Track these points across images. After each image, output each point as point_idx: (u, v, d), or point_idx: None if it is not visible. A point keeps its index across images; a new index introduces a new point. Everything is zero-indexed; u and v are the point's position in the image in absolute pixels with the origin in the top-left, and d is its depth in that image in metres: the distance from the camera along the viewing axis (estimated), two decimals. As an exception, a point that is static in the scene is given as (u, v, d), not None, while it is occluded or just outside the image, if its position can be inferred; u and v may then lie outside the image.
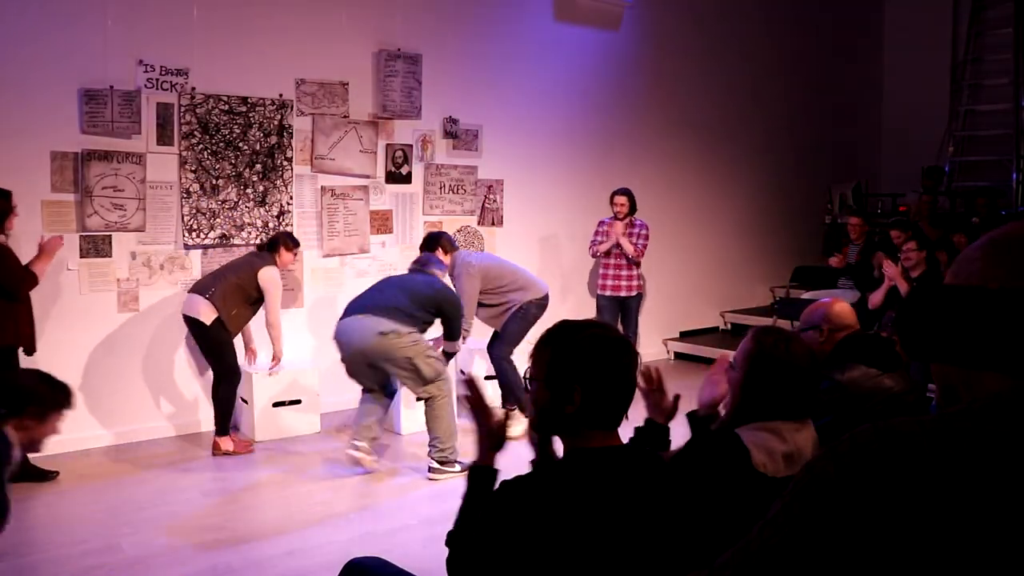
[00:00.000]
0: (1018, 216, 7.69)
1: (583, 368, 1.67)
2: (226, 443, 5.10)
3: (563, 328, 1.75)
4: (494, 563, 1.61)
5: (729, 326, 8.58)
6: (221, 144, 5.55)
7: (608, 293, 6.52)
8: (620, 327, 6.39)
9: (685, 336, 8.29)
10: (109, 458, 5.06)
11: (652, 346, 8.03)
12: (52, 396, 2.62)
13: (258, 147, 5.70)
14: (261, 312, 5.18)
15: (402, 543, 3.81)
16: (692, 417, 2.39)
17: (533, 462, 1.79)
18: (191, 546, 3.83)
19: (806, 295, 7.44)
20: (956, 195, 8.76)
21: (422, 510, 4.28)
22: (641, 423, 2.33)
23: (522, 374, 1.87)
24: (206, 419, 5.61)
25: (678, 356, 8.11)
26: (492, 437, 1.84)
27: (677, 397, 2.29)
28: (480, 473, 1.80)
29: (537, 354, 1.75)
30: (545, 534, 1.55)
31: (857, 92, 9.90)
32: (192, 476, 4.78)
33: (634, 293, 6.52)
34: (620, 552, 1.57)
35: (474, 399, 1.89)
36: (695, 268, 8.36)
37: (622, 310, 6.55)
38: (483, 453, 1.84)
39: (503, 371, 5.60)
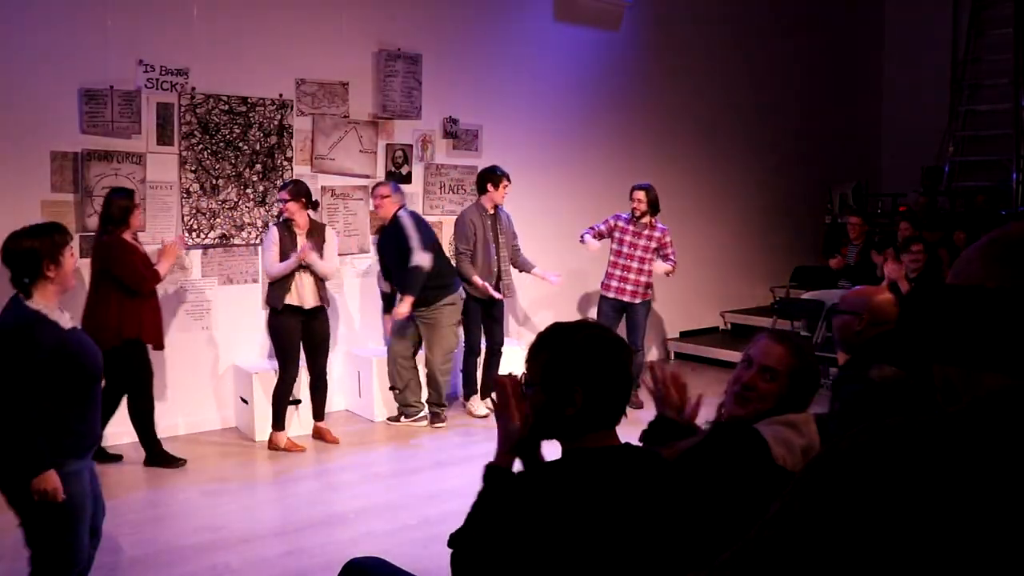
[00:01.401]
0: (1018, 216, 7.69)
1: (582, 369, 1.66)
2: (278, 438, 5.21)
3: (557, 330, 1.74)
4: (498, 563, 1.60)
5: (729, 326, 8.57)
6: (221, 144, 5.55)
7: (612, 295, 6.03)
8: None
9: (685, 336, 8.29)
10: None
11: (652, 346, 8.03)
12: (51, 241, 2.68)
13: (258, 147, 5.70)
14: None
15: (402, 543, 3.81)
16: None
17: (520, 471, 1.78)
18: (191, 546, 3.83)
19: (806, 295, 7.44)
20: (956, 195, 8.77)
21: (422, 510, 4.28)
22: (642, 423, 2.33)
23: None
24: (206, 419, 5.62)
25: (678, 356, 8.10)
26: (511, 440, 1.80)
27: (700, 397, 2.30)
28: (495, 474, 1.77)
29: (532, 358, 1.73)
30: (548, 534, 1.55)
31: (857, 92, 9.90)
32: (192, 476, 4.78)
33: (638, 300, 6.01)
34: (624, 551, 1.56)
35: (501, 400, 1.84)
36: (695, 268, 8.35)
37: (626, 317, 6.05)
38: (500, 454, 1.81)
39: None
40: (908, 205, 8.38)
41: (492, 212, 5.86)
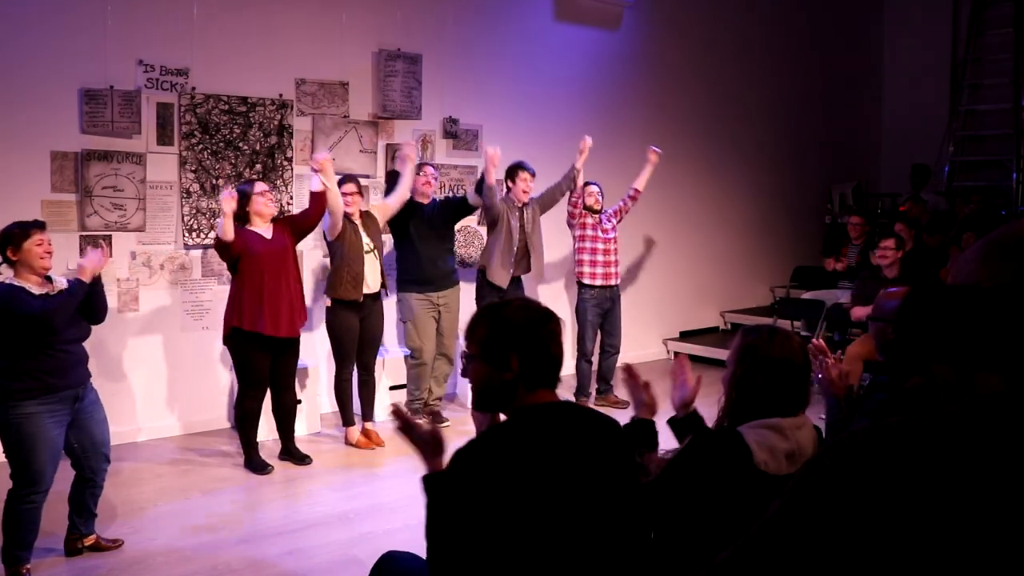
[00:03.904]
0: (1018, 216, 7.69)
1: (516, 335, 1.82)
2: (350, 434, 5.35)
3: (490, 307, 1.92)
4: (465, 537, 1.68)
5: (729, 326, 8.57)
6: (221, 144, 5.55)
7: (599, 283, 6.14)
8: (602, 331, 6.23)
9: (685, 336, 8.29)
10: (109, 458, 5.05)
11: (652, 346, 8.03)
12: (16, 231, 3.36)
13: (258, 147, 5.70)
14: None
15: (402, 543, 3.80)
16: (673, 423, 2.43)
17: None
18: (191, 546, 3.83)
19: (806, 295, 7.44)
20: (955, 195, 8.77)
21: (422, 510, 4.27)
22: (636, 424, 2.34)
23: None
24: (206, 419, 5.62)
25: (678, 356, 8.09)
26: (430, 445, 1.93)
27: (699, 379, 2.46)
28: (434, 481, 1.86)
29: (471, 334, 1.88)
30: (501, 489, 1.64)
31: (857, 92, 9.90)
32: (192, 475, 4.78)
33: (619, 281, 6.27)
34: (570, 501, 1.66)
35: (401, 424, 1.98)
36: (695, 268, 8.36)
37: (610, 303, 6.19)
38: (429, 462, 1.94)
39: None
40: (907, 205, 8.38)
41: (519, 205, 5.99)
